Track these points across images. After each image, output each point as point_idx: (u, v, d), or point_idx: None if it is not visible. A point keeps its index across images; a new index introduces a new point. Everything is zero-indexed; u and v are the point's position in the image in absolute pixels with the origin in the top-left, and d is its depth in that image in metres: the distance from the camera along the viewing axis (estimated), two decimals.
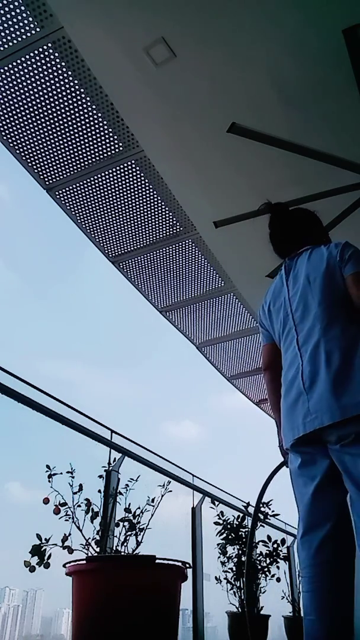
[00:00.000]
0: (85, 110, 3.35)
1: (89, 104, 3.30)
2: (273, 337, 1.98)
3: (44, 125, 3.46)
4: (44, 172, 3.82)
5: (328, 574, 1.55)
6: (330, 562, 1.56)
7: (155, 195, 4.00)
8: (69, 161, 3.72)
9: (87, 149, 3.62)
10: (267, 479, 2.17)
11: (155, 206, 4.10)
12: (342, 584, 1.55)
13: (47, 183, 3.91)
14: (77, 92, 3.23)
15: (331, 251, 1.81)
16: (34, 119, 3.43)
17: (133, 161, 3.70)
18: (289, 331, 1.82)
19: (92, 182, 3.91)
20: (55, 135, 3.53)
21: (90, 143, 3.57)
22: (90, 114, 3.37)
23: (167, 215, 4.19)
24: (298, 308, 1.80)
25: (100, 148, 3.60)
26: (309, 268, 1.83)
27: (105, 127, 3.45)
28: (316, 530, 1.60)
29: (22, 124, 3.46)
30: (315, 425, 1.59)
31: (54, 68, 3.08)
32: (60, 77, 3.13)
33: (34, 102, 3.31)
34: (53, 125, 3.46)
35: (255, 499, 2.51)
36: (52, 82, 3.16)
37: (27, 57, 3.02)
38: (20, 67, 3.08)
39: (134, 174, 3.81)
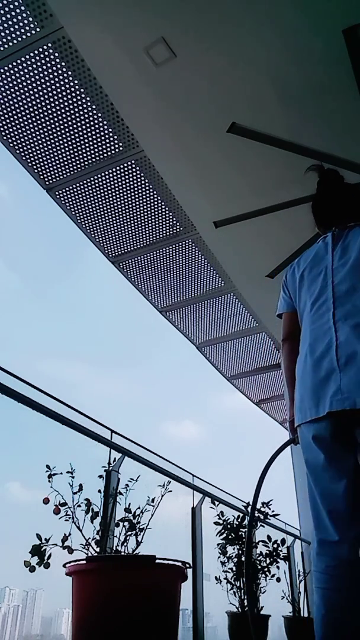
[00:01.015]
0: (85, 110, 3.35)
1: (89, 104, 3.30)
2: (294, 305, 1.89)
3: (44, 125, 3.46)
4: (44, 172, 3.82)
5: None
6: None
7: (155, 196, 4.00)
8: (69, 161, 3.72)
9: (87, 149, 3.62)
10: (271, 459, 2.00)
11: (155, 206, 4.10)
12: None
13: (47, 183, 3.91)
14: (77, 92, 3.23)
15: None
16: (34, 119, 3.43)
17: (133, 161, 3.70)
18: (324, 302, 1.71)
19: (92, 182, 3.91)
20: (55, 135, 3.53)
21: (90, 143, 3.57)
22: (90, 114, 3.37)
23: (167, 215, 4.19)
24: (343, 282, 1.69)
25: (100, 148, 3.60)
26: None
27: (105, 127, 3.45)
28: (347, 528, 1.55)
29: (22, 124, 3.46)
30: (345, 405, 1.49)
31: (54, 68, 3.08)
32: (60, 77, 3.13)
33: (34, 102, 3.31)
34: (53, 125, 3.46)
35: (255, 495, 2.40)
36: (52, 82, 3.16)
37: (27, 57, 3.02)
38: (20, 67, 3.08)
39: (134, 174, 3.81)
